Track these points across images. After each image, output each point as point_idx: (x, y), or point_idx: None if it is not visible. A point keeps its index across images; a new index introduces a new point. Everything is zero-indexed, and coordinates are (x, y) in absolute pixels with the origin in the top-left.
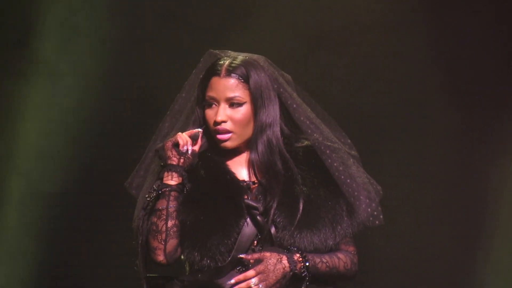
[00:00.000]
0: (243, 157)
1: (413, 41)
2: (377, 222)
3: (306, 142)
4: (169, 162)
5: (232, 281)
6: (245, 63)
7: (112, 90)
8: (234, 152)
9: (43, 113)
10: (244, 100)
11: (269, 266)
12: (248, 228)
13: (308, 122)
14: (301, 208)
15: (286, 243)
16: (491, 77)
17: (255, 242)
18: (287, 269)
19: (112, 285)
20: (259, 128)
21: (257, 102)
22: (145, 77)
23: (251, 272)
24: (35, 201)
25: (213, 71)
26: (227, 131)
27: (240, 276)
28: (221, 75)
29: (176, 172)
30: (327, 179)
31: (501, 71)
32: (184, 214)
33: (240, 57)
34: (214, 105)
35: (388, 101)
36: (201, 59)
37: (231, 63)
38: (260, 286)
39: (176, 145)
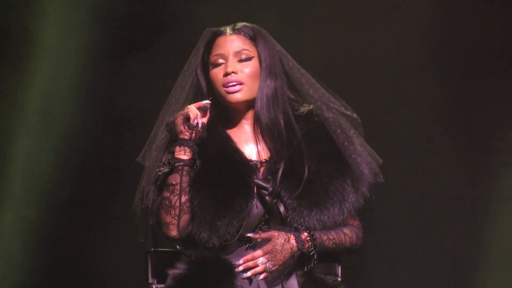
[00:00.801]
0: (249, 132)
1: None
2: (378, 179)
3: (310, 106)
4: (181, 136)
5: (240, 261)
6: (249, 25)
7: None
8: (240, 126)
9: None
10: (252, 55)
11: (276, 246)
12: (257, 208)
13: (308, 84)
14: (306, 173)
15: (295, 223)
16: (497, 77)
17: (263, 221)
18: (295, 248)
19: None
20: (266, 84)
21: (262, 59)
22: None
23: (258, 252)
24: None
25: (216, 34)
26: (238, 82)
27: (248, 256)
28: (227, 33)
29: (188, 146)
30: (332, 152)
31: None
32: (193, 193)
33: (241, 22)
34: (221, 63)
35: (393, 100)
36: (201, 37)
37: (235, 24)
38: (268, 264)
39: (187, 119)
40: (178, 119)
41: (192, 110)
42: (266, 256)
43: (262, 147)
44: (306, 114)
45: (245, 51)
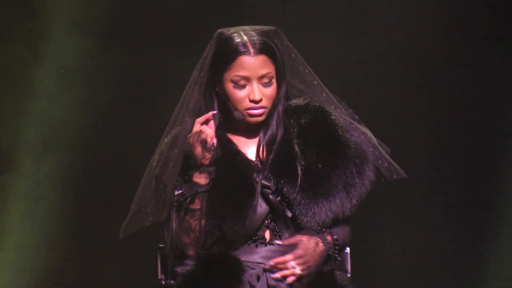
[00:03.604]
0: (249, 135)
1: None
2: (395, 176)
3: (306, 101)
4: (200, 162)
5: (271, 263)
6: (268, 38)
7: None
8: (241, 130)
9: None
10: (273, 75)
11: (308, 250)
12: (261, 207)
13: (319, 85)
14: (301, 165)
15: (304, 217)
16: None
17: (268, 220)
18: (324, 252)
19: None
20: (277, 102)
21: (279, 75)
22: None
23: (289, 256)
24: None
25: (237, 50)
26: (262, 107)
27: (278, 259)
28: (251, 53)
29: (207, 172)
30: (333, 142)
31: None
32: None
33: (257, 31)
34: (245, 85)
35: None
36: (212, 42)
37: (255, 40)
38: (298, 269)
39: (204, 143)
40: (196, 145)
41: (208, 132)
42: (296, 260)
43: (262, 148)
44: (303, 106)
45: (269, 74)
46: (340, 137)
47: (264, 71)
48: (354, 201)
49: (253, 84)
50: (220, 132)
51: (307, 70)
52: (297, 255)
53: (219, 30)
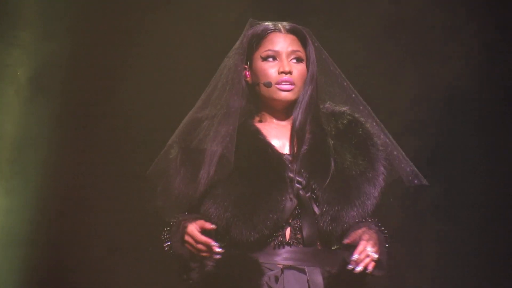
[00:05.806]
0: (280, 127)
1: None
2: (416, 181)
3: (345, 108)
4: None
5: (354, 257)
6: (301, 27)
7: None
8: (271, 121)
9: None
10: (303, 57)
11: (371, 234)
12: (291, 201)
13: (348, 86)
14: (332, 167)
15: (327, 216)
16: None
17: (293, 215)
18: (378, 232)
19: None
20: (308, 89)
21: (310, 63)
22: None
23: (364, 244)
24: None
25: (269, 29)
26: (291, 82)
27: (360, 248)
28: (282, 31)
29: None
30: (365, 151)
31: None
32: (229, 188)
33: (290, 22)
34: (275, 60)
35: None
36: (245, 29)
37: (286, 24)
38: (374, 253)
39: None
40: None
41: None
42: (370, 244)
43: (294, 141)
44: (338, 112)
45: (298, 53)
46: (371, 151)
47: (294, 47)
48: (365, 216)
49: (283, 58)
50: (249, 121)
51: (337, 71)
52: (368, 240)
53: (251, 18)
